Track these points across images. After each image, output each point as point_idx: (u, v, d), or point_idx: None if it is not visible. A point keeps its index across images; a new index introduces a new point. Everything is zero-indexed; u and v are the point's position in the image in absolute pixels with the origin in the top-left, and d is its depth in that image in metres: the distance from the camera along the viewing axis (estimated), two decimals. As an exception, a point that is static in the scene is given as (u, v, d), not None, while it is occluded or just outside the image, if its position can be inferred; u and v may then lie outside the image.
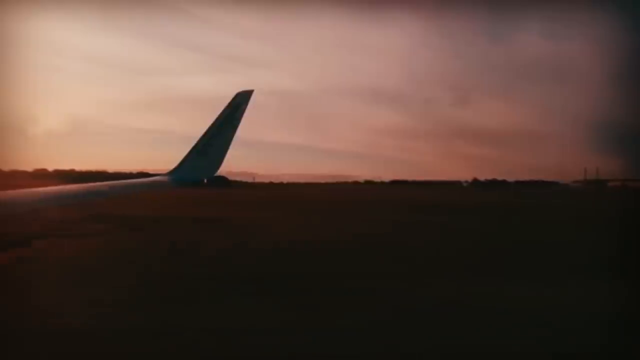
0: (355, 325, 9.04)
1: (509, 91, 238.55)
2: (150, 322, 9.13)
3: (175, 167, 7.66)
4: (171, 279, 13.02)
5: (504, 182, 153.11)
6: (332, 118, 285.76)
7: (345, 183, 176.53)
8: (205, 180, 8.34)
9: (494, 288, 11.78)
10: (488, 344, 8.02)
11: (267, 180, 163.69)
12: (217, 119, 7.66)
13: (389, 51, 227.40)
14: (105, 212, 28.94)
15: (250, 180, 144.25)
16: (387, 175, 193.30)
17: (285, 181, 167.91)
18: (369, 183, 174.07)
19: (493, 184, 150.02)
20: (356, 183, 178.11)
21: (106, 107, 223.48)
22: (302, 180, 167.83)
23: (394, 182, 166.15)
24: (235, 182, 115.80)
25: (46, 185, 7.44)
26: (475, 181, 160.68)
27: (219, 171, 8.27)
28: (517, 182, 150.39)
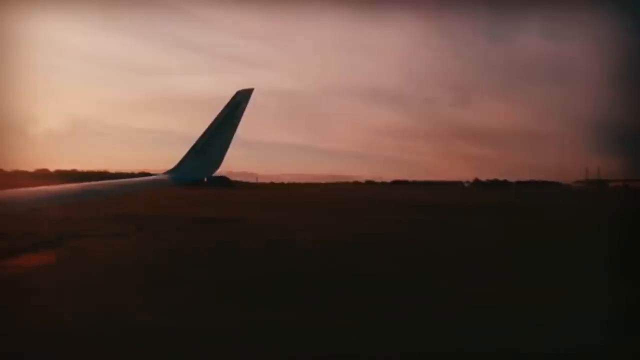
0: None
1: (509, 91, 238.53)
2: (268, 321, 9.15)
3: (175, 167, 7.66)
4: (240, 278, 12.97)
5: (505, 182, 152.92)
6: (332, 118, 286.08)
7: (346, 183, 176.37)
8: (205, 180, 8.35)
9: (533, 288, 11.75)
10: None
11: (267, 181, 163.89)
12: (217, 118, 7.66)
13: (389, 51, 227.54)
14: (116, 212, 28.84)
15: (251, 180, 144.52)
16: (387, 176, 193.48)
17: (285, 181, 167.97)
18: (370, 183, 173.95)
19: (494, 184, 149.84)
20: (357, 183, 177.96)
21: (106, 107, 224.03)
22: (302, 181, 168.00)
23: (396, 182, 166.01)
24: (236, 182, 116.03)
25: (47, 186, 7.45)
26: (477, 181, 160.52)
27: (220, 172, 8.29)
28: (519, 183, 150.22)
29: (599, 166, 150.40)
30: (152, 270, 14.10)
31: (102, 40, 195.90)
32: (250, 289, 11.81)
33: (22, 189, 6.23)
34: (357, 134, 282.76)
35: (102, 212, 28.76)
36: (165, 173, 7.72)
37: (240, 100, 7.72)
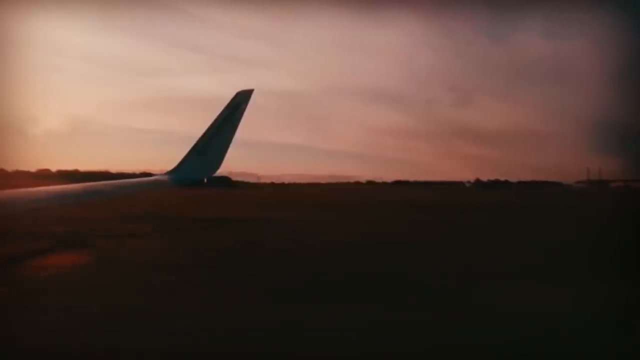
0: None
1: (510, 91, 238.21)
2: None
3: (175, 167, 7.68)
4: (280, 277, 12.97)
5: (506, 182, 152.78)
6: (332, 118, 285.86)
7: (347, 183, 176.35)
8: (206, 180, 8.37)
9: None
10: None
11: (267, 181, 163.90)
12: (217, 119, 7.67)
13: (389, 51, 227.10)
14: (124, 212, 28.77)
15: (253, 180, 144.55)
16: (388, 176, 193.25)
17: (286, 182, 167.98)
18: (370, 183, 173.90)
19: (495, 184, 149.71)
20: (358, 184, 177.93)
21: (106, 107, 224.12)
22: (302, 181, 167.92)
23: (397, 183, 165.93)
24: (238, 182, 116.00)
25: (48, 186, 7.48)
26: (478, 182, 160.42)
27: (220, 172, 8.30)
28: (520, 183, 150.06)
29: (600, 166, 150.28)
30: (190, 270, 13.98)
31: (102, 40, 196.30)
32: (294, 287, 11.82)
33: (23, 189, 6.25)
34: (358, 134, 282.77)
35: (110, 212, 28.75)
36: (165, 173, 7.74)
37: (240, 101, 7.73)
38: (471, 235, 23.95)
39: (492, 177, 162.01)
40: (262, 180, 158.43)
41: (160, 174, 7.85)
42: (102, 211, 28.58)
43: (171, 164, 8.53)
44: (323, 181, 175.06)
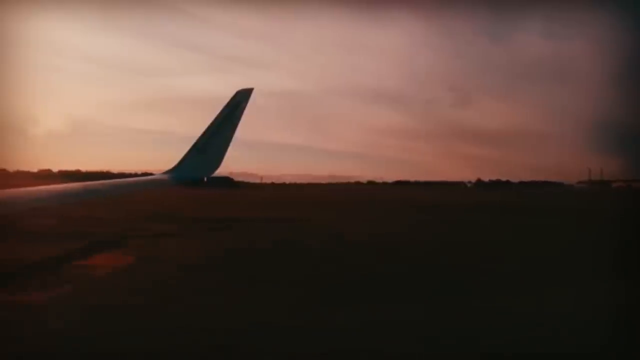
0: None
1: (510, 91, 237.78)
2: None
3: (175, 166, 7.69)
4: (355, 276, 12.90)
5: (507, 182, 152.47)
6: (332, 118, 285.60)
7: (348, 184, 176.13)
8: (205, 180, 8.36)
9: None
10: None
11: (268, 181, 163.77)
12: (217, 118, 7.67)
13: (390, 51, 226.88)
14: (138, 212, 28.43)
15: (252, 180, 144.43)
16: (388, 176, 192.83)
17: (286, 182, 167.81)
18: (371, 184, 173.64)
19: (497, 184, 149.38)
20: (358, 184, 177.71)
21: (106, 107, 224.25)
22: (303, 181, 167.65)
23: (398, 183, 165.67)
24: (240, 182, 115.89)
25: (48, 185, 7.48)
26: (479, 182, 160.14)
27: (220, 172, 8.29)
28: (521, 183, 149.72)
29: (601, 167, 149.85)
30: (238, 269, 13.76)
31: (102, 41, 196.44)
32: (345, 285, 11.77)
33: (23, 189, 6.27)
34: (358, 134, 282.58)
35: (123, 212, 28.51)
36: (165, 172, 7.75)
37: (240, 100, 7.74)
38: (496, 235, 23.66)
39: (493, 178, 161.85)
40: (262, 180, 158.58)
41: (160, 173, 7.86)
42: (112, 211, 28.43)
43: (171, 164, 8.52)
44: (323, 181, 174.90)
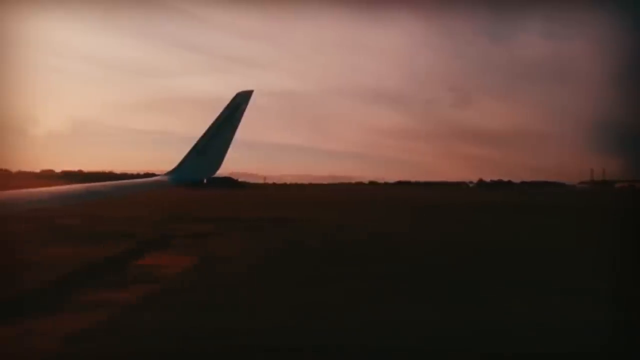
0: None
1: (510, 91, 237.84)
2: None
3: (175, 167, 7.73)
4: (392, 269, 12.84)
5: (509, 182, 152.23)
6: (332, 118, 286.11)
7: (349, 184, 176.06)
8: (205, 181, 8.41)
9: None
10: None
11: (269, 182, 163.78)
12: (217, 120, 7.70)
13: (390, 51, 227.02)
14: (157, 212, 28.49)
15: (254, 181, 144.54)
16: (388, 176, 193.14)
17: (287, 182, 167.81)
18: (373, 184, 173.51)
19: (498, 184, 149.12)
20: (360, 184, 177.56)
21: (107, 108, 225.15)
22: (304, 182, 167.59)
23: (400, 183, 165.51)
24: (243, 183, 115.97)
25: (51, 187, 7.54)
26: (481, 182, 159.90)
27: (221, 173, 8.35)
28: (523, 183, 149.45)
29: (600, 167, 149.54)
30: (313, 265, 13.41)
31: (103, 41, 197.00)
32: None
33: (24, 190, 6.32)
34: (358, 134, 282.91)
35: (141, 212, 28.39)
36: (165, 174, 7.80)
37: (240, 102, 7.78)
38: (534, 235, 23.30)
39: (494, 178, 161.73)
40: (266, 181, 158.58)
41: (160, 175, 7.91)
42: (130, 212, 28.38)
43: (172, 164, 8.59)
44: (324, 182, 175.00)
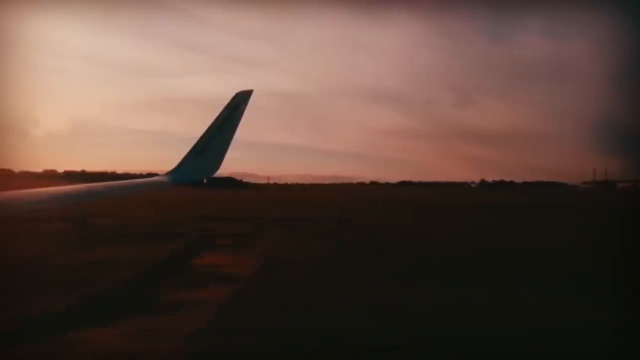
0: None
1: (510, 91, 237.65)
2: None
3: (175, 168, 7.72)
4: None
5: (511, 183, 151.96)
6: (333, 119, 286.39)
7: (350, 184, 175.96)
8: (205, 181, 8.40)
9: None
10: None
11: (271, 182, 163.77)
12: (216, 120, 7.69)
13: (390, 51, 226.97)
14: (179, 213, 28.50)
15: (254, 181, 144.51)
16: (389, 176, 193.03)
17: (289, 182, 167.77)
18: (374, 184, 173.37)
19: (500, 185, 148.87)
20: (361, 184, 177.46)
21: (107, 108, 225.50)
22: (305, 182, 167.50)
23: (402, 183, 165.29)
24: (246, 183, 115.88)
25: (51, 187, 7.56)
26: (483, 182, 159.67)
27: (221, 173, 8.34)
28: (525, 183, 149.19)
29: (602, 167, 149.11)
30: (367, 263, 13.32)
31: (103, 41, 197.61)
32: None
33: (24, 190, 6.32)
34: (358, 134, 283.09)
35: (162, 212, 28.53)
36: (165, 174, 7.79)
37: (239, 102, 7.76)
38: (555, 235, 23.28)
39: (495, 178, 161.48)
40: (263, 181, 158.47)
41: (160, 175, 7.90)
42: (150, 211, 28.33)
43: (172, 164, 8.59)
44: (326, 182, 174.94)
